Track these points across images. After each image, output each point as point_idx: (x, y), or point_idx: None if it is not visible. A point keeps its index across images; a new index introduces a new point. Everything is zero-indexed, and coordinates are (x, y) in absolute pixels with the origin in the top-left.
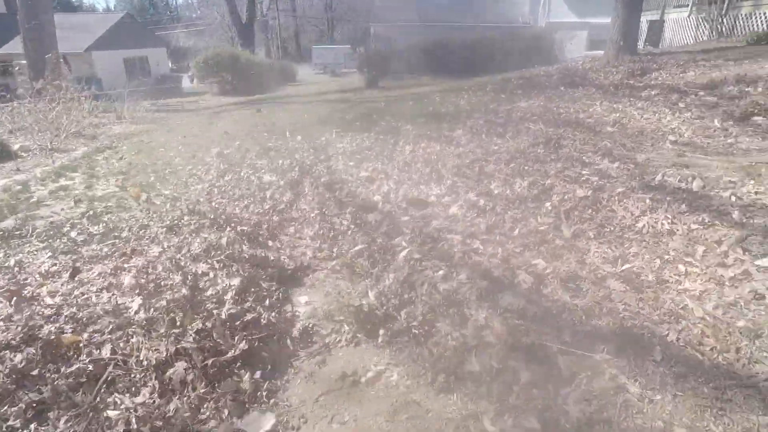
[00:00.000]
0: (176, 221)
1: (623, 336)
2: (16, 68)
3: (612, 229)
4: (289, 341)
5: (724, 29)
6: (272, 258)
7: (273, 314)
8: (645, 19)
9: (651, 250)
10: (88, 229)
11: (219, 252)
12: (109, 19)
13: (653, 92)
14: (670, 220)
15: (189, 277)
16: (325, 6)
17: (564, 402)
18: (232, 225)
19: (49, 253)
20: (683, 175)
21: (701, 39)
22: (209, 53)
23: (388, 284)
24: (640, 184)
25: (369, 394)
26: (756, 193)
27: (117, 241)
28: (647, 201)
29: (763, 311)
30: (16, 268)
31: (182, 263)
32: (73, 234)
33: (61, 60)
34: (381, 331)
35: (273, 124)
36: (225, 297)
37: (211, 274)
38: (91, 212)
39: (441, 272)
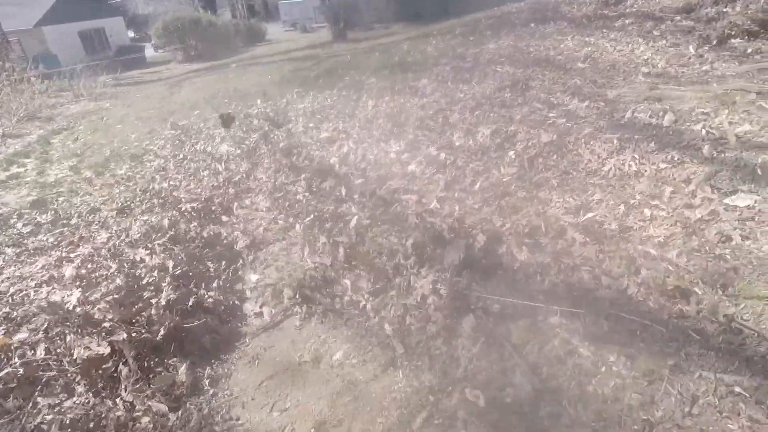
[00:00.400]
0: (128, 203)
1: (580, 293)
2: None
3: (577, 174)
4: (231, 325)
5: None
6: (224, 234)
7: (218, 296)
8: None
9: (616, 195)
10: (36, 218)
11: (160, 234)
12: None
13: (627, 21)
14: (637, 161)
15: (125, 265)
16: None
17: (512, 374)
18: (182, 203)
19: None
20: (654, 109)
21: None
22: (168, 18)
23: (339, 255)
24: (608, 124)
25: (313, 377)
26: (730, 123)
27: (65, 229)
28: (615, 141)
29: (728, 255)
30: None
31: (121, 250)
32: (19, 225)
33: (5, 39)
34: (321, 305)
35: (235, 89)
36: (162, 283)
37: (150, 260)
38: (40, 200)
39: (391, 238)
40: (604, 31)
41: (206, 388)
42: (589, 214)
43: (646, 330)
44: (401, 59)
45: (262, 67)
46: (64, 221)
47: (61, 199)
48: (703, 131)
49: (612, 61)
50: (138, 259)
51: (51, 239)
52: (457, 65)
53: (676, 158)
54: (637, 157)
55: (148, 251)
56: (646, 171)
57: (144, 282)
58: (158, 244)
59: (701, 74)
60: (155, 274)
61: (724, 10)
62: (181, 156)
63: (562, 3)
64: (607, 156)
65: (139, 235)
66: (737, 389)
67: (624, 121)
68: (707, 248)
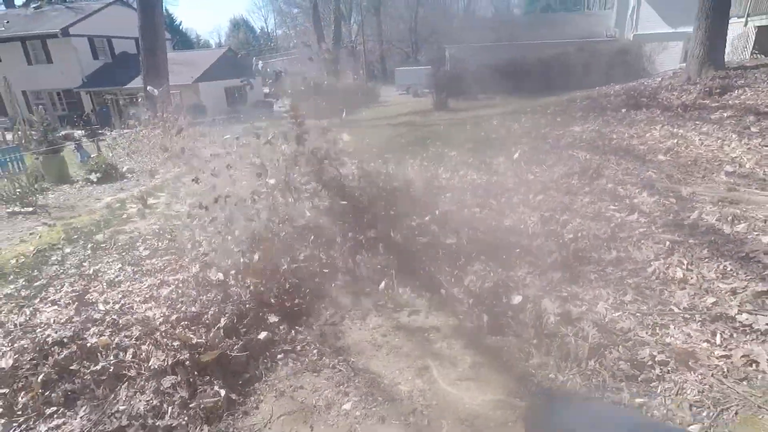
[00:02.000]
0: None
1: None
2: (139, 99)
3: (615, 272)
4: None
5: None
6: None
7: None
8: (753, 25)
9: (649, 298)
10: (156, 244)
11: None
12: (214, 55)
13: (725, 114)
14: (684, 266)
15: (201, 296)
16: (410, 29)
17: None
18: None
19: (119, 265)
20: (724, 213)
21: None
22: (295, 81)
23: None
24: (669, 223)
25: (321, 419)
26: None
27: (173, 256)
28: (667, 243)
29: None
30: (93, 276)
31: (207, 279)
32: (141, 249)
33: (169, 91)
34: None
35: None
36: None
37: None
38: (161, 229)
39: None
40: (697, 123)
41: (238, 411)
42: (614, 314)
43: None
44: (487, 135)
45: (362, 129)
46: (174, 250)
47: (175, 231)
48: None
49: (695, 157)
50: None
51: (160, 264)
52: (536, 146)
53: (728, 269)
54: (685, 262)
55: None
56: (690, 279)
57: (212, 309)
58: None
59: None
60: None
61: None
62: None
63: (663, 89)
64: (654, 257)
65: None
66: None
67: (688, 221)
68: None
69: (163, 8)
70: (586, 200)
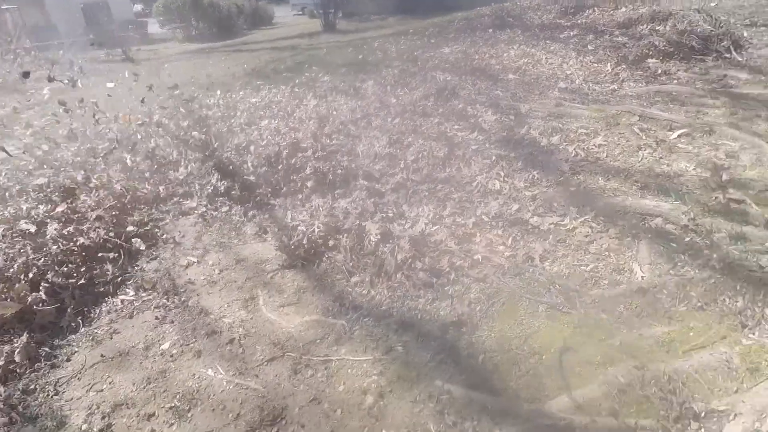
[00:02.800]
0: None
1: None
2: None
3: (444, 188)
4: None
5: None
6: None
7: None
8: None
9: (465, 209)
10: None
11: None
12: None
13: (572, 33)
14: (501, 178)
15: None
16: None
17: None
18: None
19: None
20: (546, 128)
21: None
22: None
23: None
24: (499, 139)
25: (136, 363)
26: (599, 146)
27: None
28: (493, 158)
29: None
30: None
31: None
32: None
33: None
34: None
35: (207, 76)
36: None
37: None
38: None
39: None
40: (548, 42)
41: (44, 366)
42: (431, 228)
43: None
44: (364, 58)
45: (245, 54)
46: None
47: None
48: (575, 152)
49: (538, 75)
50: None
51: None
52: (405, 68)
53: (536, 178)
54: (502, 174)
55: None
56: (504, 189)
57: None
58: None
59: (608, 93)
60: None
61: (657, 28)
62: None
63: (529, 9)
64: (479, 172)
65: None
66: None
67: (516, 137)
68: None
69: None
70: (435, 121)
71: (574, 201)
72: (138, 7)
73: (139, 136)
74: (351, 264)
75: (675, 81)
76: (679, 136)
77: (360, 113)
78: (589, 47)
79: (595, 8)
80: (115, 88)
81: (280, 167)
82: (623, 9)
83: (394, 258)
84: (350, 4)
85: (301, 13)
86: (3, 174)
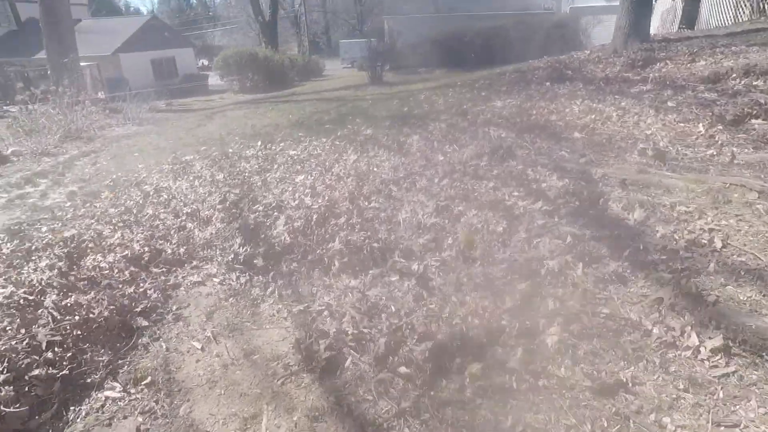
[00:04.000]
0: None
1: None
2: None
3: (502, 273)
4: None
5: (766, 7)
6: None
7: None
8: None
9: (527, 305)
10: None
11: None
12: (137, 23)
13: (645, 88)
14: (580, 269)
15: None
16: (355, 0)
17: None
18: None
19: None
20: (630, 200)
21: (741, 19)
22: (228, 52)
23: None
24: (570, 212)
25: None
26: (709, 231)
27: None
28: (568, 239)
29: None
30: None
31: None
32: None
33: (81, 63)
34: None
35: (252, 126)
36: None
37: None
38: (17, 226)
39: None
40: (617, 97)
41: None
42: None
43: None
44: (410, 110)
45: (291, 105)
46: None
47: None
48: (676, 236)
49: (610, 134)
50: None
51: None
52: (454, 122)
53: (626, 272)
54: (580, 265)
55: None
56: (585, 284)
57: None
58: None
59: (704, 159)
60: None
61: (755, 83)
62: (158, 198)
63: (589, 62)
64: (549, 256)
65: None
66: None
67: (592, 211)
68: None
69: None
70: (490, 185)
71: (692, 315)
72: (204, 61)
73: (172, 188)
74: (380, 379)
75: None
76: None
77: (403, 171)
78: (670, 104)
79: (668, 61)
80: (161, 137)
81: (310, 234)
82: (702, 62)
83: (441, 381)
84: (398, 57)
85: (350, 66)
86: (37, 225)
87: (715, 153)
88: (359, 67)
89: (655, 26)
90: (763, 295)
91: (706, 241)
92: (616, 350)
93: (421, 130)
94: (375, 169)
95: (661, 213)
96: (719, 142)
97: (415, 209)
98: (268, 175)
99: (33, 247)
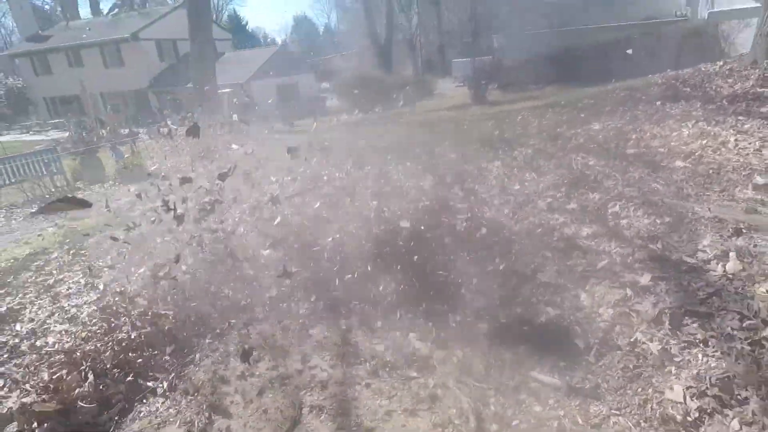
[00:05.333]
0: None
1: None
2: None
3: (552, 326)
4: None
5: None
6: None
7: None
8: None
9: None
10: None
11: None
12: (267, 53)
13: None
14: (650, 337)
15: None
16: (469, 18)
17: None
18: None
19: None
20: (725, 248)
21: None
22: (343, 77)
23: None
24: (645, 257)
25: None
26: None
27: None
28: (627, 291)
29: None
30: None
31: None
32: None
33: (221, 91)
34: None
35: (350, 148)
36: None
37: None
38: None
39: None
40: (741, 118)
41: None
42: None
43: None
44: (501, 133)
45: (393, 126)
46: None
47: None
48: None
49: (721, 163)
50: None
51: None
52: (542, 147)
53: (700, 343)
54: (635, 320)
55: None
56: (653, 352)
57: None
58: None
59: None
60: None
61: None
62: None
63: (716, 76)
64: (603, 305)
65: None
66: None
67: (674, 257)
68: None
69: (212, 11)
70: (561, 220)
71: (762, 400)
72: (326, 84)
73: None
74: None
75: None
76: None
77: (475, 199)
78: None
79: None
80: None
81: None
82: None
83: None
84: (506, 74)
85: (462, 84)
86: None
87: None
88: (470, 85)
89: None
90: None
91: None
92: None
93: (505, 156)
94: (451, 202)
95: (763, 266)
96: None
97: (479, 246)
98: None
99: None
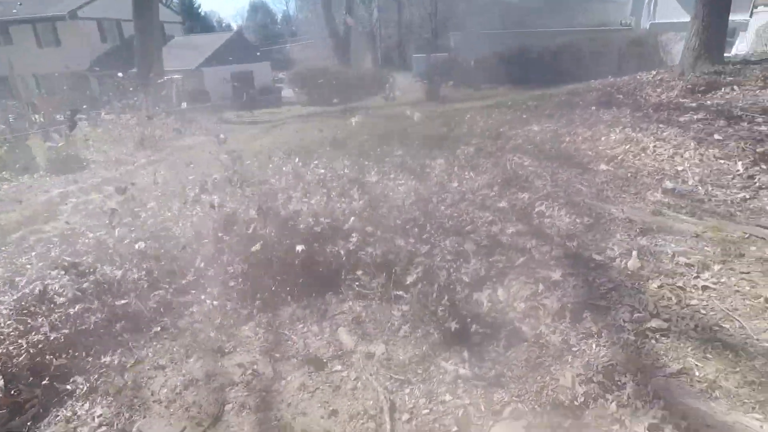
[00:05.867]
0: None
1: None
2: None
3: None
4: None
5: None
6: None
7: None
8: None
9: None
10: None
11: None
12: (220, 39)
13: (696, 116)
14: (553, 329)
15: None
16: (429, 15)
17: None
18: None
19: None
20: (630, 246)
21: None
22: (300, 68)
23: None
24: (561, 255)
25: None
26: (702, 289)
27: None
28: (540, 286)
29: None
30: None
31: None
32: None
33: (172, 77)
34: None
35: (300, 140)
36: None
37: None
38: (69, 231)
39: None
40: (661, 126)
41: None
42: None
43: None
44: (448, 131)
45: (343, 122)
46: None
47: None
48: (664, 291)
49: (639, 168)
50: None
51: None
52: (483, 147)
53: (592, 327)
54: (541, 314)
55: None
56: (544, 334)
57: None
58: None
59: (734, 203)
60: None
61: None
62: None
63: (647, 85)
64: (521, 300)
65: None
66: None
67: (586, 254)
68: None
69: None
70: (489, 218)
71: (637, 386)
72: (281, 74)
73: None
74: None
75: None
76: None
77: (411, 198)
78: (717, 136)
79: (735, 86)
80: (219, 149)
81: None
82: None
83: None
84: (462, 73)
85: (422, 80)
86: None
87: (748, 197)
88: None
89: (748, 45)
90: (722, 375)
91: (696, 301)
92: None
93: (448, 154)
94: (390, 194)
95: (659, 264)
96: (757, 184)
97: (409, 240)
98: (290, 194)
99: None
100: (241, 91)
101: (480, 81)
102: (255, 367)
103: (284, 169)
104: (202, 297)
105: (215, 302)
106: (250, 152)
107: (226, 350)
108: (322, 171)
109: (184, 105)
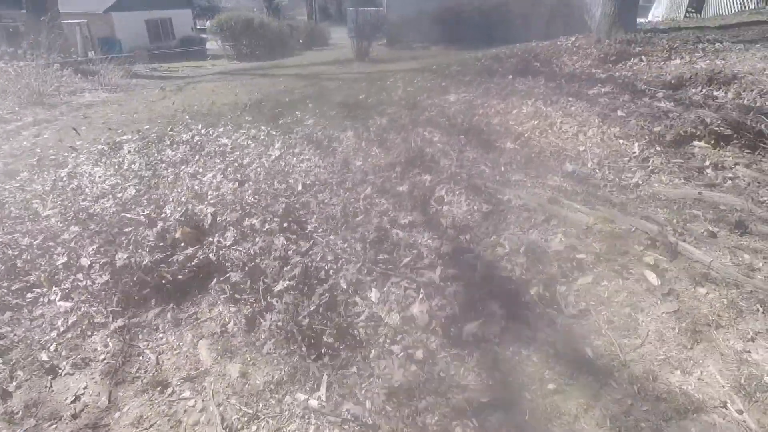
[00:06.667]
0: None
1: None
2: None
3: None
4: None
5: None
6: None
7: None
8: None
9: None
10: None
11: None
12: None
13: (603, 89)
14: (418, 344)
15: None
16: None
17: None
18: None
19: None
20: (519, 242)
21: (748, 7)
22: (223, 17)
23: None
24: (449, 250)
25: None
26: (577, 294)
27: None
28: (414, 286)
29: None
30: None
31: None
32: None
33: (71, 21)
34: None
35: (212, 103)
36: None
37: None
38: None
39: None
40: (570, 99)
41: None
42: None
43: None
44: (366, 97)
45: (267, 80)
46: None
47: None
48: (536, 294)
49: (543, 147)
50: None
51: None
52: (396, 118)
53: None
54: (424, 340)
55: None
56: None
57: None
58: None
59: (627, 189)
60: None
61: (716, 94)
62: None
63: (564, 52)
64: (397, 305)
65: None
66: None
67: (474, 250)
68: None
69: None
70: (384, 206)
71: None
72: (207, 23)
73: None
74: None
75: (729, 182)
76: (721, 305)
77: (311, 177)
78: (620, 113)
79: (643, 57)
80: (120, 108)
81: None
82: (677, 60)
83: None
84: (395, 31)
85: (352, 36)
86: None
87: (640, 182)
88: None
89: (663, 11)
90: (584, 410)
91: (573, 306)
92: None
93: (360, 125)
94: (288, 170)
95: (542, 264)
96: (650, 167)
97: (292, 228)
98: (181, 170)
99: None
100: (160, 40)
101: (412, 39)
102: (89, 393)
103: (184, 137)
104: (53, 298)
105: (66, 304)
106: (154, 114)
107: (61, 371)
108: (225, 141)
109: (91, 54)
